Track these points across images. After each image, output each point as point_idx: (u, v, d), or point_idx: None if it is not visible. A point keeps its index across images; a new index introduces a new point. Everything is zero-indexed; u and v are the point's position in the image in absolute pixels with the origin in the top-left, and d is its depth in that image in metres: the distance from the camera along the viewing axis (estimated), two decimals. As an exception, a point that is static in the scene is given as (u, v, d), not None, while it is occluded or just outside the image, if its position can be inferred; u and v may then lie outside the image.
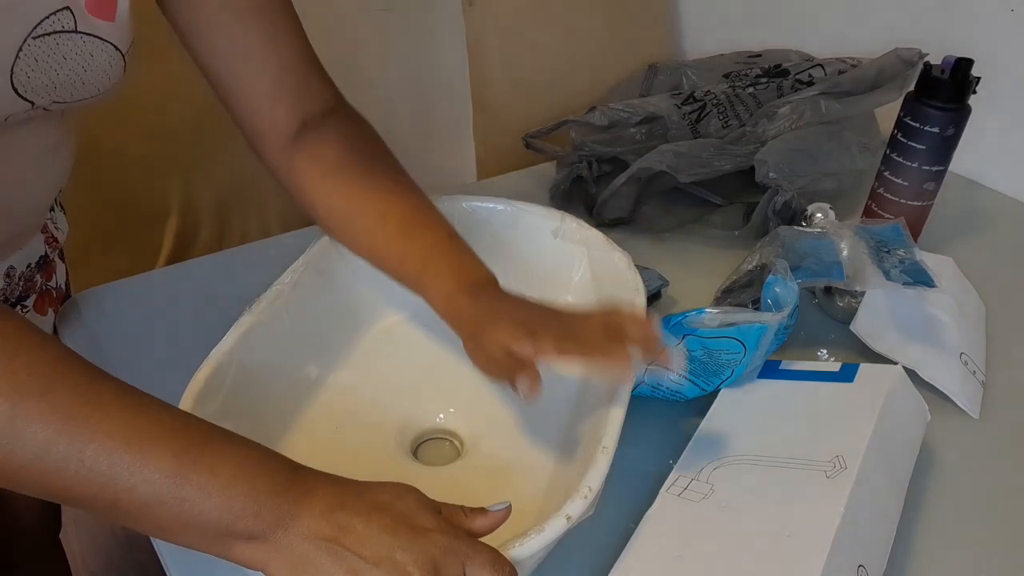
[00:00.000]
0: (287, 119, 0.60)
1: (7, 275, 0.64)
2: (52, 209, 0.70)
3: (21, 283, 0.66)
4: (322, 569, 0.38)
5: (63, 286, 0.75)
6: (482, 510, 0.44)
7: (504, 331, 0.52)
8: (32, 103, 0.50)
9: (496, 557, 0.41)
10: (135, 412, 0.39)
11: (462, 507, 0.44)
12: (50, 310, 0.72)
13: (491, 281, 0.58)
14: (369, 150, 0.63)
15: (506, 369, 0.51)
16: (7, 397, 0.36)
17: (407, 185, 0.62)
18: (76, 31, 0.49)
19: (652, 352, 0.52)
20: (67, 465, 0.37)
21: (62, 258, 0.76)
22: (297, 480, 0.41)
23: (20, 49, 0.46)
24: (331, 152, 0.61)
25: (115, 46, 0.52)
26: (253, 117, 0.60)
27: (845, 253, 0.70)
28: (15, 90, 0.48)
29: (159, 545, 0.54)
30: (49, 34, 0.48)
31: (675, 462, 0.58)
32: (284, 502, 0.39)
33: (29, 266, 0.67)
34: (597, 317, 0.54)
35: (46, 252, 0.69)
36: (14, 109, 0.49)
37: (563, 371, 0.52)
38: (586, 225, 0.69)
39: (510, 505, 0.45)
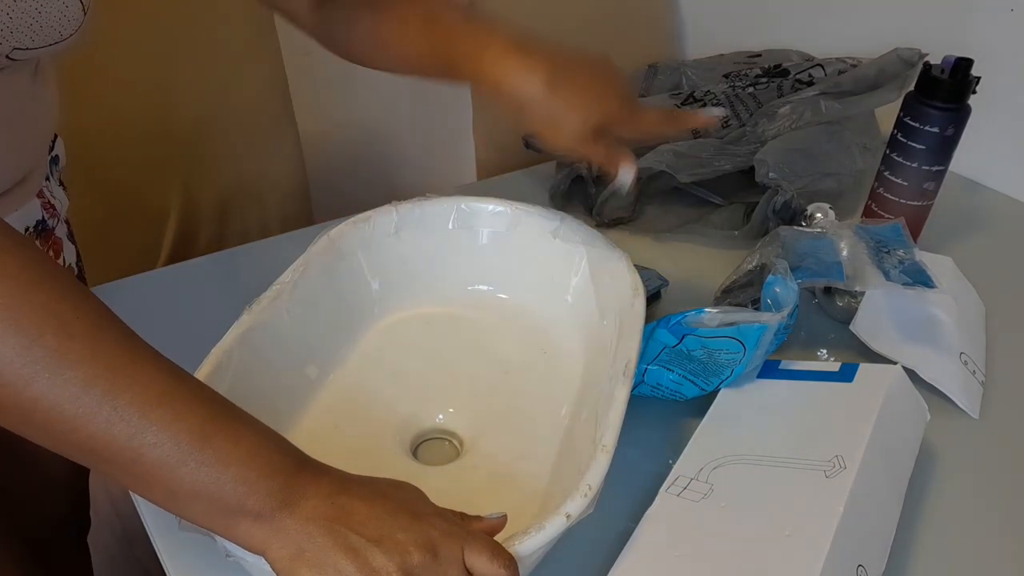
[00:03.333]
0: None
1: None
2: (48, 179, 0.70)
3: None
4: (323, 548, 0.39)
5: (75, 266, 0.75)
6: (478, 517, 0.45)
7: (582, 116, 0.60)
8: None
9: (495, 545, 0.42)
10: (169, 374, 0.40)
11: (460, 512, 0.45)
12: None
13: (524, 48, 0.64)
14: None
15: (589, 148, 0.60)
16: (56, 333, 0.37)
17: None
18: None
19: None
20: (100, 410, 0.37)
21: (72, 239, 0.76)
22: (307, 465, 0.42)
23: None
24: None
25: None
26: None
27: (845, 253, 0.70)
28: None
29: (158, 542, 0.54)
30: None
31: (675, 462, 0.58)
32: (293, 483, 0.40)
33: (28, 230, 0.67)
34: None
35: (44, 217, 0.69)
36: None
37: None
38: (586, 225, 0.69)
39: (506, 516, 0.45)
